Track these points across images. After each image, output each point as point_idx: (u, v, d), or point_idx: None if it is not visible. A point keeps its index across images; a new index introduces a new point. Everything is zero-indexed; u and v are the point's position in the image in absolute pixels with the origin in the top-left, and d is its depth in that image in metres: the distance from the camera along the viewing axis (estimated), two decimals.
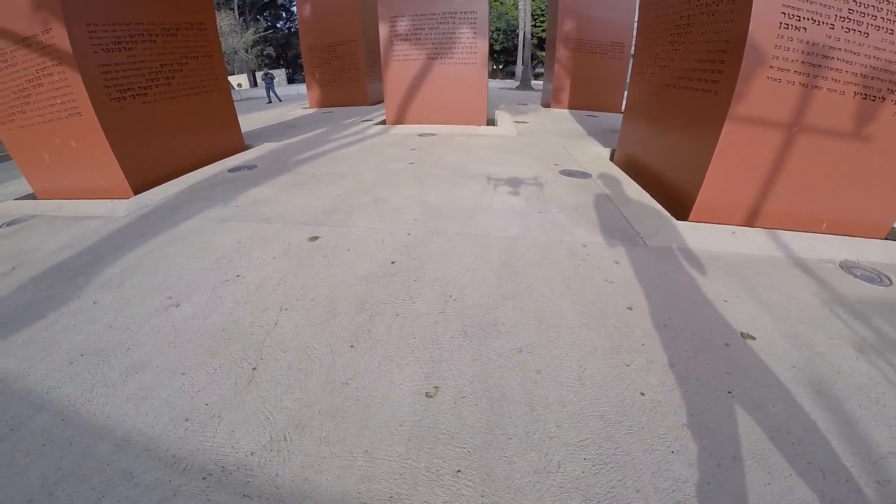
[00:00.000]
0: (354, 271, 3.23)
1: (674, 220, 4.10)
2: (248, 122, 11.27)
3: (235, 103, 7.95)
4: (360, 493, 1.67)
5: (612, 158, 6.58)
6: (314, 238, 3.78)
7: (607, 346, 2.46)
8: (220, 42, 7.95)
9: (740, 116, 3.61)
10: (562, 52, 12.68)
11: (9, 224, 5.12)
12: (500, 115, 10.73)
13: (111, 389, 2.22)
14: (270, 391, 2.17)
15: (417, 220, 4.16)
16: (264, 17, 25.72)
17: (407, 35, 8.68)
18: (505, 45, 35.15)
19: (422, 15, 8.50)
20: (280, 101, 16.26)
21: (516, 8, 28.44)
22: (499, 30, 34.33)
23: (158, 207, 5.07)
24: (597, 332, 2.57)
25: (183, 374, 2.29)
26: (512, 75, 34.32)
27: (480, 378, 2.23)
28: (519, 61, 26.74)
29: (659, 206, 4.44)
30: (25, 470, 1.80)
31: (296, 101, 17.05)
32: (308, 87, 13.46)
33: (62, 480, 1.75)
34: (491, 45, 35.27)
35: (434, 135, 8.27)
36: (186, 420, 2.01)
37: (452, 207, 4.48)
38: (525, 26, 24.55)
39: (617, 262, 3.37)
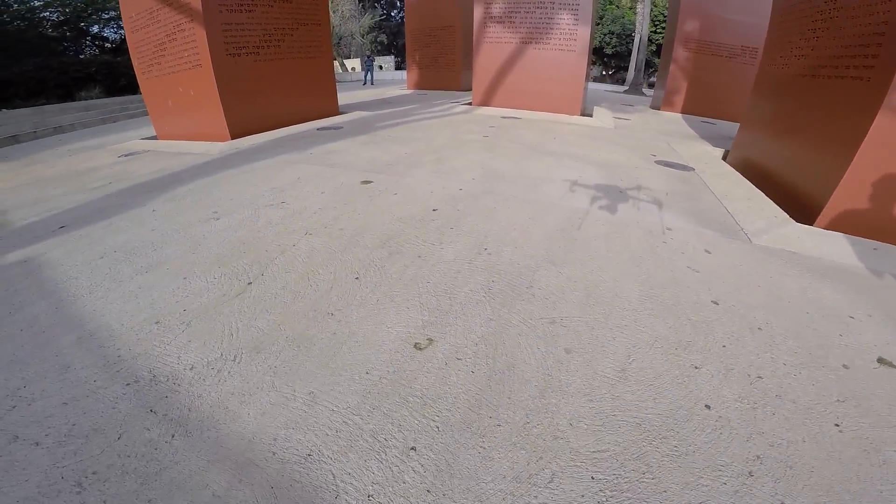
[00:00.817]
0: (393, 212, 3.05)
1: (793, 221, 3.29)
2: (350, 97, 11.91)
3: (345, 83, 8.35)
4: (275, 439, 1.36)
5: (724, 158, 5.66)
6: (367, 182, 3.69)
7: (673, 339, 1.89)
8: (329, 12, 8.43)
9: None
10: (680, 53, 11.51)
11: (126, 156, 5.87)
12: (599, 110, 9.96)
13: (116, 285, 2.28)
14: (251, 307, 2.04)
15: (474, 179, 3.87)
16: (380, 4, 27.38)
17: (501, 18, 8.41)
18: (618, 49, 33.21)
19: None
20: (373, 84, 16.96)
21: (633, 12, 26.67)
22: (612, 33, 32.54)
23: (245, 150, 5.43)
24: (663, 322, 2.01)
25: (184, 278, 2.28)
26: (623, 82, 32.42)
27: (489, 342, 1.81)
28: (632, 65, 25.03)
29: (775, 206, 3.62)
30: None
31: (398, 84, 17.68)
32: (407, 69, 13.90)
33: (7, 366, 1.73)
34: (601, 49, 33.53)
35: (518, 118, 7.89)
36: (156, 323, 1.95)
37: (517, 174, 4.09)
38: (642, 30, 22.85)
39: (708, 252, 2.74)
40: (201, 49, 5.97)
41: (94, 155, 6.20)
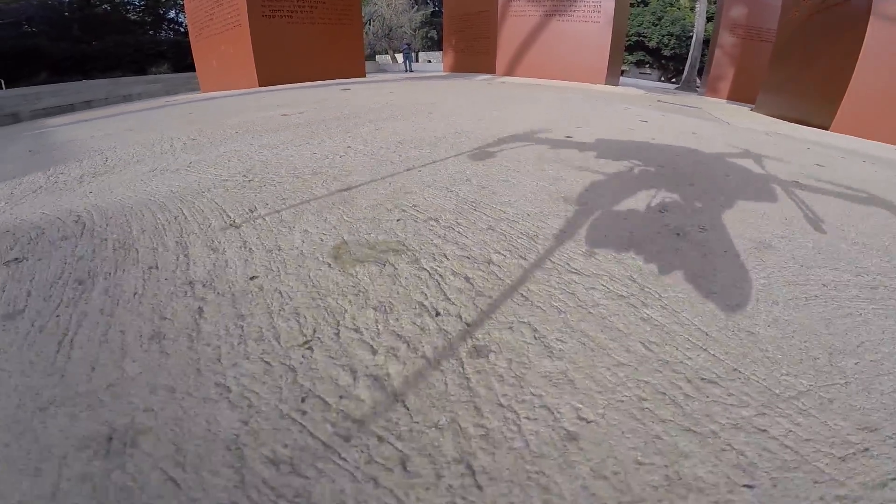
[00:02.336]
0: (353, 104, 3.37)
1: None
2: (392, 76, 12.47)
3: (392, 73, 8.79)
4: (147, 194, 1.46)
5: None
6: (346, 89, 4.07)
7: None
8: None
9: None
10: (726, 39, 11.05)
11: (175, 98, 6.64)
12: (630, 88, 9.78)
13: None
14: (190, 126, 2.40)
15: (457, 92, 4.11)
16: (433, 1, 28.08)
17: None
18: (677, 51, 31.80)
19: None
20: (411, 71, 17.53)
21: (693, 12, 25.49)
22: (671, 35, 31.20)
23: (268, 89, 5.98)
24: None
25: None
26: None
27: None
28: (688, 62, 23.92)
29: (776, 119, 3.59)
30: None
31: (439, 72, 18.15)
32: (444, 52, 14.27)
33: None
34: (659, 50, 32.23)
35: (536, 84, 7.97)
36: (170, 144, 2.35)
37: (487, 98, 4.29)
38: (698, 26, 21.84)
39: (662, 115, 2.78)
40: (241, 10, 6.64)
41: (149, 102, 7.05)
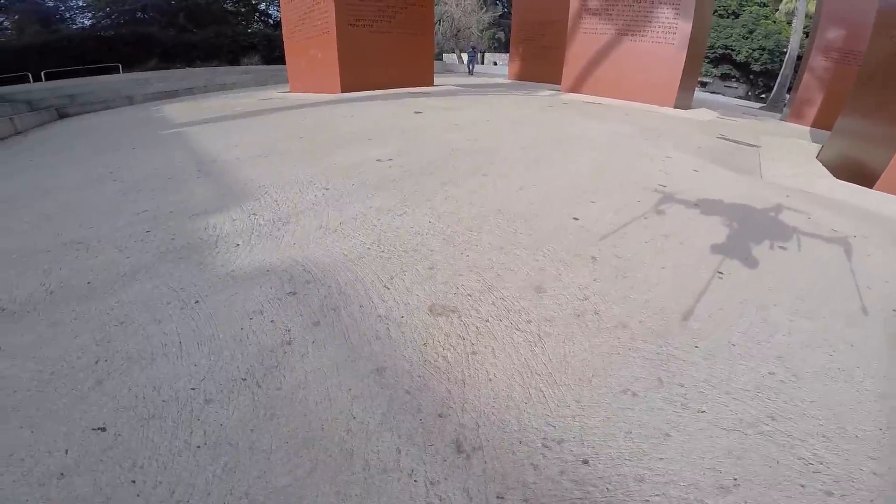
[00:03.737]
0: (420, 123, 3.79)
1: (831, 176, 3.20)
2: (457, 80, 12.81)
3: (457, 73, 9.20)
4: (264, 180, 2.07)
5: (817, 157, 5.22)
6: (419, 112, 4.49)
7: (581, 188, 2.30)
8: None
9: None
10: (818, 62, 10.31)
11: (265, 100, 7.45)
12: (704, 110, 9.42)
13: (224, 137, 3.30)
14: (293, 144, 2.91)
15: (489, 120, 4.44)
16: (502, 2, 28.07)
17: (598, 10, 8.55)
18: (768, 66, 29.47)
19: None
20: (472, 74, 17.74)
21: (790, 25, 23.59)
22: (763, 49, 28.95)
23: (348, 98, 6.64)
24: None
25: (269, 132, 3.26)
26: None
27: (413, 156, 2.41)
28: (778, 81, 22.23)
29: (822, 167, 3.49)
30: None
31: (503, 76, 18.35)
32: (510, 59, 14.43)
33: (152, 173, 2.75)
34: (747, 64, 30.07)
35: (600, 103, 7.99)
36: (236, 146, 2.90)
37: (535, 120, 4.52)
38: (792, 43, 20.24)
39: (695, 171, 2.93)
40: (330, 19, 7.28)
41: (242, 99, 7.94)
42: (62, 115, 9.81)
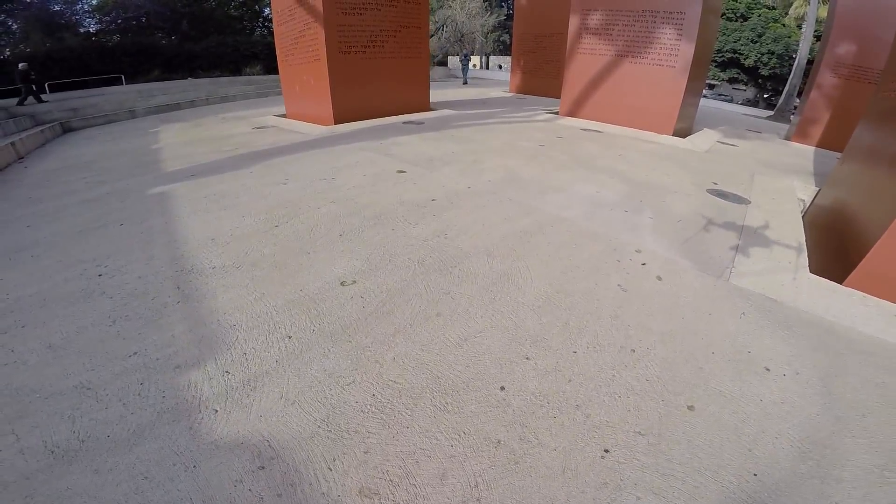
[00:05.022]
0: (401, 196, 3.84)
1: (807, 271, 3.13)
2: (452, 94, 12.77)
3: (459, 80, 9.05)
4: (234, 310, 2.13)
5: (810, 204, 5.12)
6: (401, 171, 4.49)
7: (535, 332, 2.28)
8: (429, 15, 9.27)
9: None
10: (826, 79, 10.00)
11: (258, 128, 7.45)
12: (704, 133, 9.25)
13: (202, 214, 3.38)
14: (267, 239, 2.97)
15: (490, 181, 4.41)
16: (508, 4, 27.77)
17: (597, 29, 8.35)
18: (777, 71, 28.99)
19: (618, 11, 8.05)
20: (466, 83, 17.50)
21: (800, 30, 23.16)
22: (772, 53, 28.47)
23: (335, 135, 6.58)
24: (539, 316, 2.40)
25: (242, 216, 3.36)
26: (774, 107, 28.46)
27: (392, 292, 2.42)
28: (785, 90, 21.88)
29: (804, 255, 3.41)
30: None
31: (504, 85, 18.25)
32: (511, 72, 14.30)
33: (120, 250, 2.81)
34: (756, 69, 29.62)
35: (598, 131, 7.88)
36: (212, 239, 2.96)
37: (535, 182, 4.49)
38: (802, 50, 19.86)
39: (658, 279, 2.85)
40: (321, 45, 7.21)
41: (237, 124, 7.96)
42: (66, 130, 9.96)
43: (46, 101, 11.56)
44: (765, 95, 33.70)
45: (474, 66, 25.39)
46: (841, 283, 2.91)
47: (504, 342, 2.18)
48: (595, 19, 8.40)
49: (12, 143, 6.75)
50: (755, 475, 1.63)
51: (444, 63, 20.40)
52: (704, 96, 26.37)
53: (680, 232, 3.55)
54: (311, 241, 2.98)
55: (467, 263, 2.83)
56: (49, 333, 2.18)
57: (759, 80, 31.73)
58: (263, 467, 1.55)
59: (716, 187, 4.98)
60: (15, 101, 11.52)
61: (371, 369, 1.98)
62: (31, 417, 1.72)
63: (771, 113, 22.07)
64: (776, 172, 6.22)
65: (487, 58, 26.15)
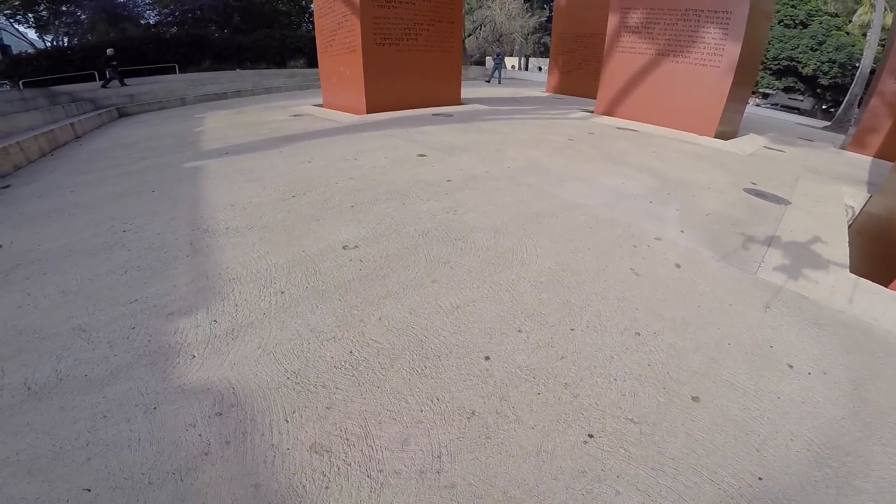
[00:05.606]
0: (418, 177, 3.86)
1: (847, 271, 2.90)
2: (488, 92, 12.69)
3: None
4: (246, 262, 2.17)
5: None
6: (422, 155, 4.49)
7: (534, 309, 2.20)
8: (462, 10, 9.26)
9: None
10: (889, 86, 9.28)
11: (295, 116, 7.69)
12: (750, 137, 8.76)
13: (228, 185, 3.51)
14: (282, 207, 3.01)
15: (510, 168, 4.35)
16: (549, 6, 27.44)
17: (638, 28, 8.08)
18: (838, 80, 27.12)
19: (659, 9, 7.76)
20: (500, 83, 17.12)
21: (865, 37, 21.59)
22: (833, 62, 26.66)
23: (366, 123, 6.69)
24: (540, 292, 2.31)
25: (264, 188, 3.44)
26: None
27: (388, 256, 2.42)
28: (846, 99, 20.46)
29: (844, 254, 3.16)
30: None
31: (540, 86, 17.89)
32: (549, 72, 14.07)
33: (145, 212, 2.91)
34: (815, 77, 27.86)
35: (635, 131, 7.62)
36: (232, 205, 3.08)
37: (558, 172, 4.38)
38: (865, 59, 18.50)
39: (677, 266, 2.70)
40: (356, 37, 7.37)
41: (276, 112, 8.24)
42: (122, 114, 10.67)
43: (127, 85, 12.48)
44: (823, 106, 31.66)
45: (513, 66, 25.18)
46: (887, 287, 2.68)
47: (497, 313, 2.12)
48: (635, 18, 8.16)
49: (72, 124, 7.29)
50: (760, 479, 1.46)
51: (480, 63, 20.35)
52: (757, 105, 25.06)
53: (707, 225, 3.37)
54: (322, 210, 3.06)
55: (472, 237, 2.80)
56: (66, 280, 2.31)
57: (819, 90, 29.82)
58: (221, 414, 1.54)
59: (754, 187, 4.70)
60: (99, 84, 12.61)
61: (354, 327, 1.97)
62: (24, 356, 1.80)
63: (828, 123, 20.69)
64: (824, 179, 5.80)
65: (527, 59, 25.86)
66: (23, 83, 13.56)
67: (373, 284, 2.28)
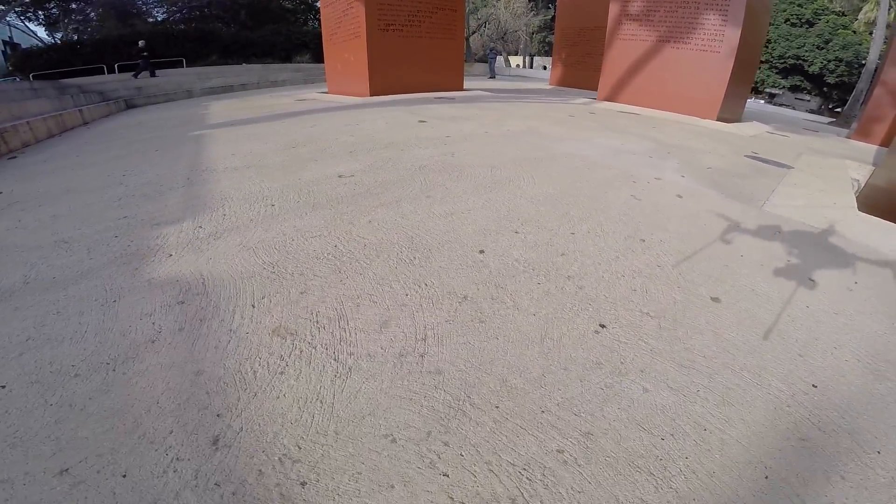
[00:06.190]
0: (419, 135, 3.92)
1: (860, 212, 2.83)
2: (491, 84, 12.71)
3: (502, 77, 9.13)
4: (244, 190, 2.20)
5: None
6: (422, 122, 4.54)
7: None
8: (469, 8, 9.39)
9: None
10: (892, 75, 9.29)
11: (300, 100, 7.77)
12: (753, 124, 8.73)
13: (232, 145, 3.57)
14: (283, 156, 3.11)
15: (510, 130, 4.37)
16: (554, 5, 27.52)
17: (638, 15, 8.15)
18: (845, 79, 26.92)
19: None
20: (493, 77, 17.11)
21: (871, 35, 21.49)
22: (840, 60, 26.49)
23: (371, 102, 6.78)
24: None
25: (265, 143, 3.54)
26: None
27: (381, 181, 2.43)
28: (852, 95, 20.36)
29: (850, 196, 3.11)
30: None
31: (544, 80, 17.87)
32: (552, 65, 14.13)
33: (147, 166, 2.95)
34: (821, 76, 27.66)
35: (637, 114, 7.62)
36: (233, 154, 3.09)
37: (556, 135, 4.40)
38: (871, 55, 18.45)
39: (679, 196, 2.69)
40: (361, 22, 7.46)
41: (281, 99, 8.34)
42: (129, 106, 10.82)
43: (157, 77, 12.90)
44: (830, 105, 31.43)
45: (517, 65, 25.24)
46: None
47: (493, 219, 2.08)
48: (636, 5, 8.24)
49: (80, 110, 7.43)
50: (815, 386, 1.28)
51: (484, 60, 20.41)
52: (760, 101, 24.93)
53: (709, 175, 3.35)
54: (321, 155, 3.13)
55: (469, 171, 2.84)
56: (58, 209, 2.33)
57: (825, 89, 29.59)
58: (183, 302, 1.46)
59: (756, 155, 4.70)
60: (129, 74, 12.98)
61: (342, 228, 1.94)
62: None
63: (834, 119, 20.57)
64: (828, 157, 5.77)
65: (532, 58, 25.90)
66: (33, 76, 13.76)
67: (366, 199, 2.27)
